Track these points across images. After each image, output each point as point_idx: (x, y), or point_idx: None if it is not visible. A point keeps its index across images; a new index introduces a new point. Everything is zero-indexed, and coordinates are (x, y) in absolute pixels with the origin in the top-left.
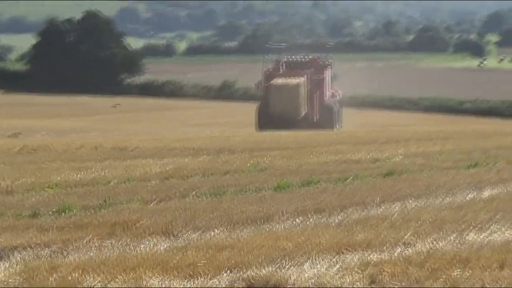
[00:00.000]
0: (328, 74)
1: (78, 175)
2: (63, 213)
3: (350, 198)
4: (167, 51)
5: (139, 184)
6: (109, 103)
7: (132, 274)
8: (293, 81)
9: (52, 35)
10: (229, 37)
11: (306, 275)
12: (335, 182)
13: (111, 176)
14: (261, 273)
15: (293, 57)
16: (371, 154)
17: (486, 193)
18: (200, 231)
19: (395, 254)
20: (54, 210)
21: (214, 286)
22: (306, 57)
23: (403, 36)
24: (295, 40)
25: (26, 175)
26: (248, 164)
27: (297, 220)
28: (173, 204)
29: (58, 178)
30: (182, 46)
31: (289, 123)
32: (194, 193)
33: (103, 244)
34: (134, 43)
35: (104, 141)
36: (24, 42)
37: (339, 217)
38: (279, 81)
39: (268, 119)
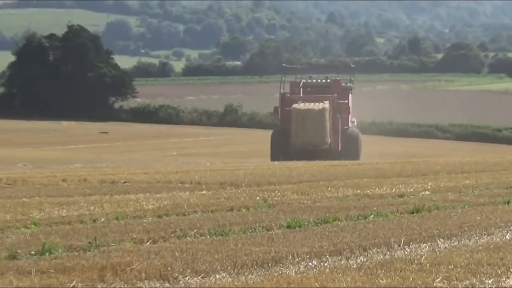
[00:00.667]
0: (351, 98)
1: (62, 212)
2: (44, 255)
3: (372, 238)
4: (162, 71)
5: (132, 222)
6: (96, 130)
7: None
8: (317, 105)
9: (32, 53)
10: (233, 56)
11: None
12: (355, 220)
13: (99, 213)
14: None
15: (313, 79)
16: (395, 189)
17: None
18: (201, 275)
19: None
20: (34, 251)
21: None
22: (327, 79)
23: (431, 54)
24: (310, 59)
25: (3, 211)
26: (256, 200)
27: (312, 262)
28: (170, 245)
29: (39, 215)
30: (179, 65)
31: (312, 153)
32: (194, 232)
33: None
34: (125, 62)
35: (90, 173)
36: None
37: (360, 259)
38: (301, 106)
39: (287, 149)
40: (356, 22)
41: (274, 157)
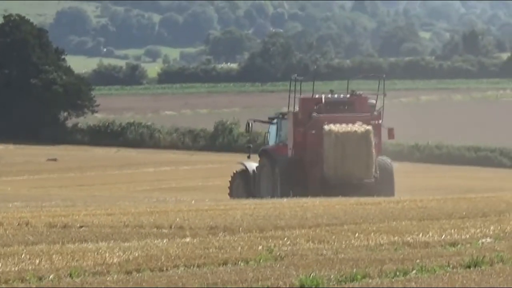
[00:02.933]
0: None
1: None
2: None
3: None
4: (131, 77)
5: (91, 280)
6: (42, 157)
7: None
8: (359, 127)
9: None
10: (227, 56)
11: None
12: (391, 277)
13: (47, 268)
14: None
15: (335, 94)
16: (445, 235)
17: None
18: None
19: None
20: None
21: None
22: (353, 93)
23: (494, 53)
24: (330, 61)
25: None
26: (258, 250)
27: None
28: None
29: None
30: (154, 69)
31: (349, 189)
32: None
33: None
34: (81, 64)
35: (35, 214)
36: None
37: None
38: (337, 127)
39: (302, 184)
40: (392, 11)
41: (293, 192)
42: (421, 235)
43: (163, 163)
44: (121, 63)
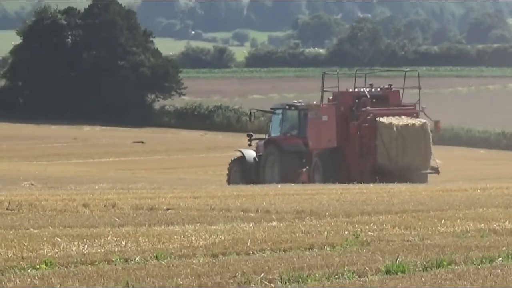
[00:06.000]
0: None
1: (82, 248)
2: None
3: None
4: (218, 60)
5: (177, 262)
6: (129, 139)
7: None
8: (416, 121)
9: (43, 33)
10: (315, 41)
11: None
12: (477, 264)
13: (133, 250)
14: None
15: (374, 88)
16: None
17: None
18: None
19: None
20: None
21: None
22: (390, 87)
23: None
24: (418, 47)
25: (4, 246)
26: (344, 235)
27: None
28: None
29: (52, 252)
30: (241, 52)
31: (403, 178)
32: (260, 277)
33: None
34: (169, 47)
35: (121, 197)
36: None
37: None
38: (394, 121)
39: (362, 173)
40: None
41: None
42: (507, 222)
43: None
44: (209, 46)
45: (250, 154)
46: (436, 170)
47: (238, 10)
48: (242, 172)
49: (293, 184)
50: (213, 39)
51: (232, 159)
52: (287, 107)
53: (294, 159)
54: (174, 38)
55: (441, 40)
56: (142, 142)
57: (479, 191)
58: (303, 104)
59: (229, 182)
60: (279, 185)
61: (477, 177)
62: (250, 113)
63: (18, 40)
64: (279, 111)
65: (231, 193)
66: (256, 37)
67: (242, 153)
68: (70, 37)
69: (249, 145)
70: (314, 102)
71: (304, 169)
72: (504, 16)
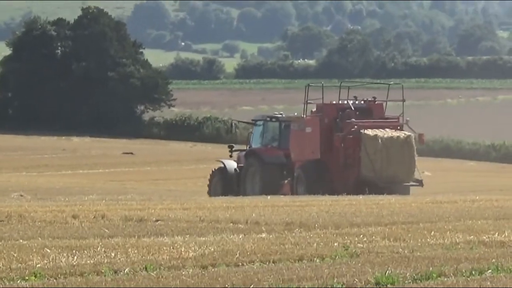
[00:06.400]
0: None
1: (72, 259)
2: None
3: None
4: (208, 72)
5: (166, 273)
6: (118, 150)
7: None
8: (400, 133)
9: (33, 44)
10: (304, 52)
11: None
12: (466, 276)
13: (122, 261)
14: None
15: (356, 101)
16: None
17: None
18: None
19: None
20: None
21: None
22: (374, 100)
23: None
24: (408, 59)
25: None
26: (333, 247)
27: None
28: None
29: (41, 263)
30: (231, 64)
31: (387, 190)
32: None
33: None
34: (158, 58)
35: (110, 208)
36: None
37: None
38: (378, 133)
39: (346, 184)
40: (471, 10)
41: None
42: (497, 234)
43: None
44: (199, 57)
45: (232, 165)
46: (420, 183)
47: (228, 21)
48: (223, 183)
49: (281, 196)
50: (203, 50)
51: (213, 170)
52: (268, 118)
53: (275, 171)
54: (163, 50)
55: (430, 52)
56: (131, 153)
57: (468, 203)
58: (284, 115)
59: (210, 193)
60: (269, 197)
61: (467, 189)
62: (231, 124)
63: (7, 51)
64: (260, 122)
65: (221, 204)
66: (246, 48)
67: (224, 164)
68: (59, 48)
69: (230, 156)
70: (296, 114)
71: (286, 181)
72: (493, 28)
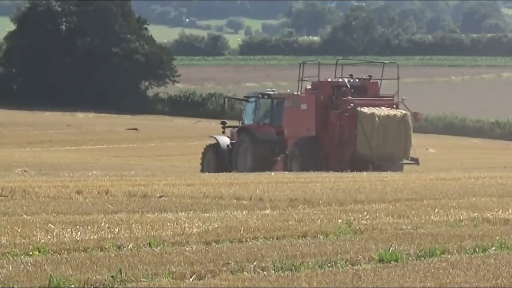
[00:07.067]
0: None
1: (75, 235)
2: None
3: (493, 278)
4: (212, 48)
5: (170, 249)
6: (122, 126)
7: None
8: (397, 111)
9: (37, 20)
10: (309, 29)
11: None
12: (470, 253)
13: (126, 237)
14: None
15: (351, 79)
16: None
17: None
18: None
19: None
20: (38, 286)
21: None
22: (370, 78)
23: None
24: (412, 36)
25: None
26: (337, 224)
27: None
28: (221, 282)
29: (45, 239)
30: (235, 40)
31: (383, 167)
32: (253, 265)
33: None
34: (163, 34)
35: (114, 184)
36: None
37: None
38: (375, 111)
39: (341, 161)
40: None
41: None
42: (501, 211)
43: None
44: (203, 33)
45: (225, 141)
46: (416, 161)
47: None
48: (216, 159)
49: (271, 172)
50: (207, 26)
51: (206, 145)
52: (260, 95)
53: (266, 148)
54: (168, 26)
55: (435, 29)
56: (136, 129)
57: (472, 180)
58: (276, 92)
59: (203, 169)
60: (273, 173)
61: (471, 166)
62: (225, 100)
63: (12, 26)
64: (253, 99)
65: (225, 180)
66: (251, 25)
67: (217, 139)
68: (64, 24)
69: (223, 132)
70: (288, 91)
71: (279, 158)
72: (498, 6)
